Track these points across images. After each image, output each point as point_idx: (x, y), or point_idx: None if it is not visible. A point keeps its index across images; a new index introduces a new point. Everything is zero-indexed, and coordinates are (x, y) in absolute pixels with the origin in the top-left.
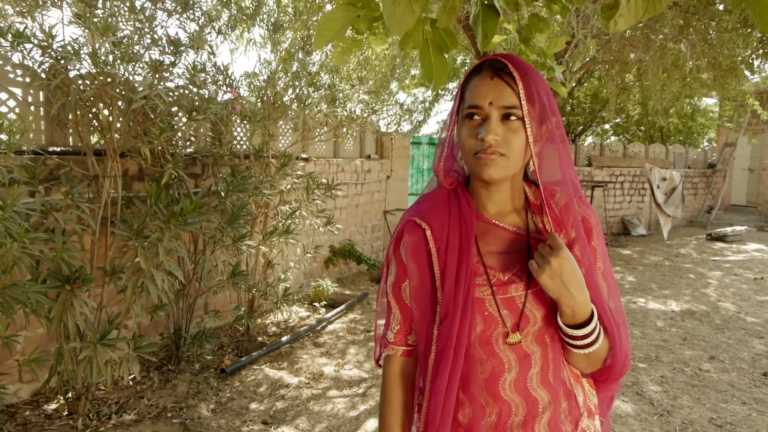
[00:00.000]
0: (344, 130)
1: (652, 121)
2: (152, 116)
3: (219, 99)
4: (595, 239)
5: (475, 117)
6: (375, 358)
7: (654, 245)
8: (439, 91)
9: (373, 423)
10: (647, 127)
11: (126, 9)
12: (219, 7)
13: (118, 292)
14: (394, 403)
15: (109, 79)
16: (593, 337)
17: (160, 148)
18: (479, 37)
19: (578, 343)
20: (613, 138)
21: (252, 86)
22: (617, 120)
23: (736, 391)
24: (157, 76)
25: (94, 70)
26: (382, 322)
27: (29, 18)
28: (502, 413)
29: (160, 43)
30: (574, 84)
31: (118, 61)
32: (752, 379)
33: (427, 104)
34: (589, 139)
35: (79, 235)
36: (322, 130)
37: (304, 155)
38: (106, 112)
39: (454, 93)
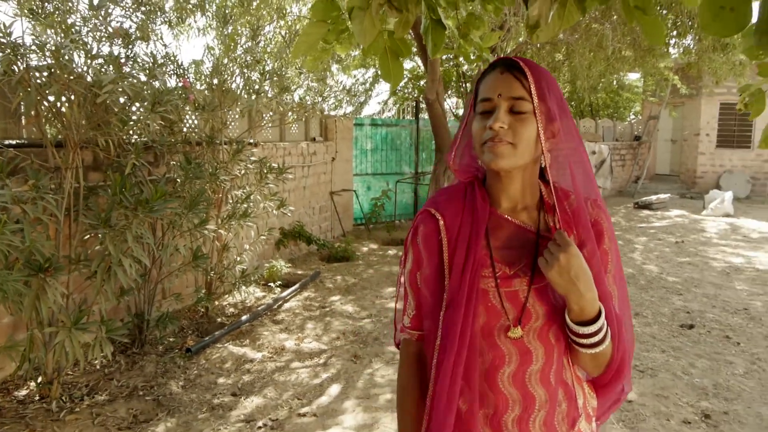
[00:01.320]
0: (292, 115)
1: (581, 97)
2: (115, 109)
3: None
4: (606, 242)
5: (486, 110)
6: (395, 342)
7: None
8: (378, 72)
9: (336, 388)
10: (577, 102)
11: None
12: None
13: (85, 279)
14: (411, 384)
15: (72, 76)
16: (600, 336)
17: (116, 138)
18: (429, 46)
19: (585, 341)
20: None
21: (199, 74)
22: None
23: (656, 341)
24: (118, 70)
25: (52, 64)
26: (400, 306)
27: None
28: (499, 406)
29: (113, 37)
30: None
31: (80, 57)
32: (671, 330)
33: (367, 85)
34: None
35: (45, 225)
36: (270, 116)
37: (251, 140)
38: (66, 106)
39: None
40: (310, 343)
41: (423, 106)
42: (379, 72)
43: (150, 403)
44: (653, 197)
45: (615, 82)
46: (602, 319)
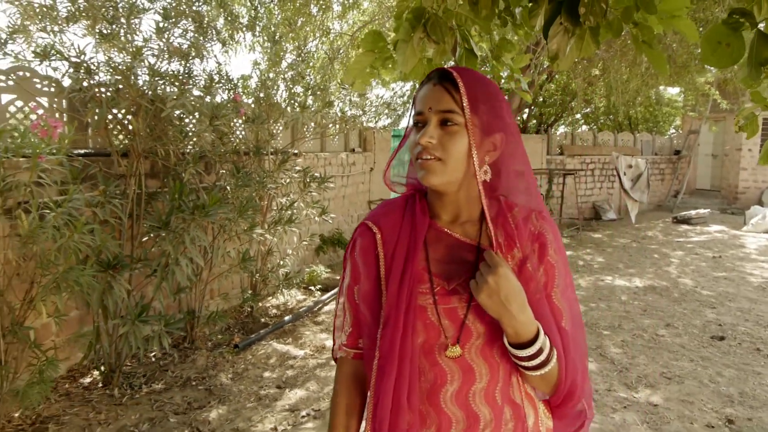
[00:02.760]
0: (333, 127)
1: (617, 111)
2: (176, 122)
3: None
4: (551, 254)
5: (419, 123)
6: (333, 356)
7: (623, 229)
8: (416, 85)
9: None
10: (616, 116)
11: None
12: (217, 17)
13: (145, 277)
14: (342, 405)
15: (139, 93)
16: (542, 357)
17: (175, 148)
18: None
19: (525, 363)
20: (584, 127)
21: (247, 88)
22: (587, 110)
23: (686, 351)
24: (180, 87)
25: (119, 80)
26: (339, 323)
27: (52, 34)
28: (442, 425)
29: (173, 56)
30: (545, 77)
31: (145, 75)
32: (701, 341)
33: (405, 98)
34: (561, 129)
35: (111, 227)
36: (312, 128)
37: (294, 151)
38: (132, 119)
39: None
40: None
41: None
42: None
43: (202, 392)
44: (692, 212)
45: (653, 97)
46: (540, 342)
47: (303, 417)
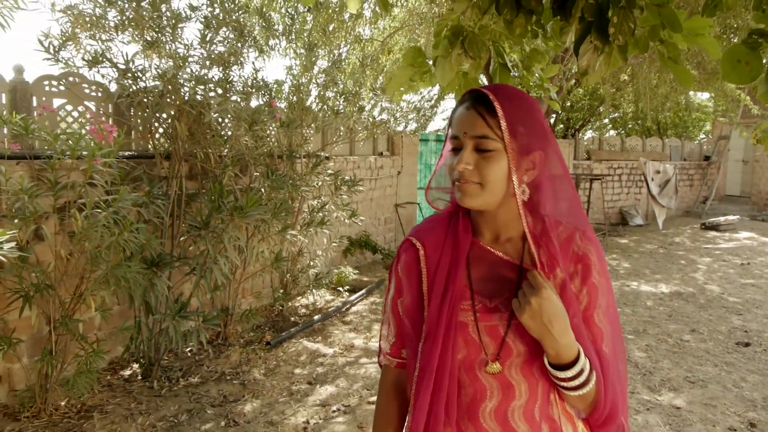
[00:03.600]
0: (363, 131)
1: (645, 116)
2: (218, 127)
3: (257, 106)
4: (595, 276)
5: (455, 147)
6: (379, 363)
7: (650, 234)
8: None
9: None
10: (644, 121)
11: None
12: (254, 25)
13: (184, 275)
14: (386, 412)
15: (197, 96)
16: (582, 379)
17: (211, 151)
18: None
19: (565, 384)
20: (612, 132)
21: (280, 93)
22: (615, 115)
23: (710, 356)
24: (224, 93)
25: (163, 87)
26: (385, 331)
27: (100, 42)
28: None
29: (214, 64)
30: (573, 82)
31: (192, 82)
32: (726, 347)
33: (432, 102)
34: (589, 134)
35: (154, 226)
36: (342, 132)
37: (325, 154)
38: (176, 123)
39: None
40: (376, 343)
41: None
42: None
43: (237, 386)
44: (721, 218)
45: (683, 102)
46: (581, 364)
47: (333, 412)
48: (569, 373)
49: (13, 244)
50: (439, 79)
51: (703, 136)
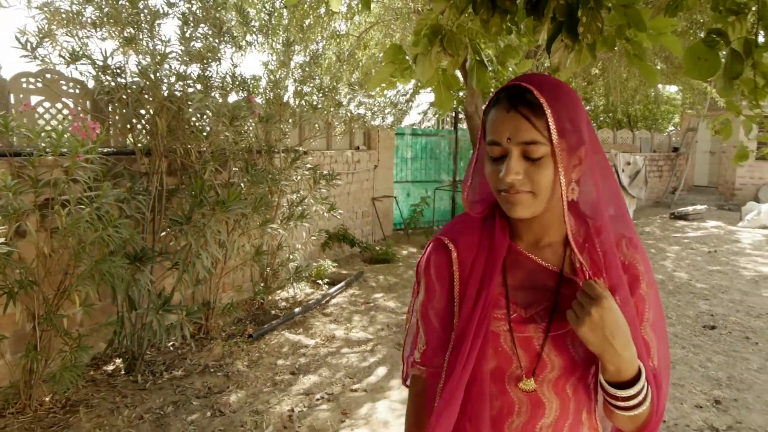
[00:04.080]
0: (339, 126)
1: (615, 108)
2: (195, 122)
3: (233, 101)
4: (643, 288)
5: (495, 153)
6: (402, 378)
7: None
8: (418, 82)
9: (382, 370)
10: (614, 114)
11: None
12: (231, 20)
13: (168, 269)
14: (416, 425)
15: (176, 92)
16: (641, 397)
17: (190, 147)
18: (473, 81)
19: (623, 404)
20: None
21: (256, 88)
22: (587, 108)
23: (678, 339)
24: (205, 89)
25: (142, 83)
26: (410, 339)
27: (77, 38)
28: None
29: (193, 60)
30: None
31: (172, 78)
32: (693, 330)
33: (408, 96)
34: None
35: (136, 221)
36: (319, 127)
37: (303, 149)
38: (157, 119)
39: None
40: (357, 333)
41: (462, 116)
42: (433, 100)
43: (221, 378)
44: (689, 208)
45: (653, 94)
46: (642, 381)
47: (317, 400)
48: (631, 392)
49: (1, 240)
50: (419, 76)
51: (672, 128)
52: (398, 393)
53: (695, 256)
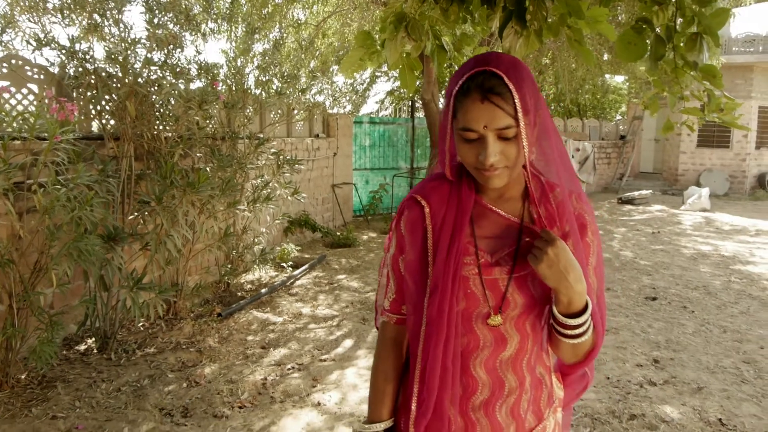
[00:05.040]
0: (299, 113)
1: (564, 97)
2: (162, 107)
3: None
4: (589, 236)
5: (471, 137)
6: (376, 325)
7: None
8: (376, 73)
9: (349, 342)
10: (564, 102)
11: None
12: (197, 10)
13: (139, 250)
14: (384, 369)
15: (140, 79)
16: (586, 326)
17: (155, 132)
18: (434, 64)
19: (570, 332)
20: None
21: (217, 76)
22: None
23: (623, 309)
24: (176, 75)
25: (110, 69)
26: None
27: (39, 25)
28: (468, 388)
29: (162, 46)
30: None
31: (141, 64)
32: (636, 301)
33: (365, 85)
34: None
35: (106, 204)
36: (280, 114)
37: (265, 136)
38: (127, 104)
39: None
40: (323, 310)
41: (418, 105)
42: (399, 81)
43: (193, 353)
44: (636, 193)
45: (600, 83)
46: (589, 312)
47: (288, 369)
48: (579, 320)
49: None
50: (387, 59)
51: (619, 116)
52: (365, 361)
53: (640, 237)
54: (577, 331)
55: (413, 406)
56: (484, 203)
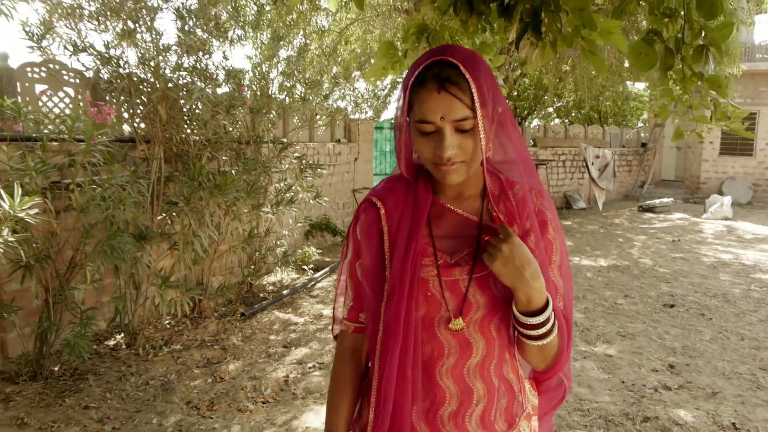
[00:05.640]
0: (321, 118)
1: (584, 104)
2: (194, 112)
3: (225, 92)
4: (551, 232)
5: (428, 130)
6: (333, 335)
7: (592, 217)
8: (397, 79)
9: None
10: (587, 110)
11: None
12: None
13: (167, 249)
14: (342, 378)
15: (170, 84)
16: (548, 326)
17: (183, 136)
18: None
19: (532, 333)
20: (557, 120)
21: (242, 81)
22: (559, 104)
23: (640, 316)
24: (204, 80)
25: (143, 74)
26: (341, 299)
27: (75, 31)
28: (436, 399)
29: (192, 52)
30: (518, 73)
31: (175, 70)
32: (654, 308)
33: (386, 91)
34: (535, 122)
35: (137, 204)
36: (303, 119)
37: (288, 141)
38: (159, 108)
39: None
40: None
41: None
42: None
43: (218, 350)
44: (656, 201)
45: (621, 90)
46: (550, 310)
47: (310, 368)
48: (540, 318)
49: (36, 210)
50: (409, 68)
51: (641, 124)
52: None
53: (660, 245)
54: (540, 331)
55: (370, 418)
56: (441, 203)
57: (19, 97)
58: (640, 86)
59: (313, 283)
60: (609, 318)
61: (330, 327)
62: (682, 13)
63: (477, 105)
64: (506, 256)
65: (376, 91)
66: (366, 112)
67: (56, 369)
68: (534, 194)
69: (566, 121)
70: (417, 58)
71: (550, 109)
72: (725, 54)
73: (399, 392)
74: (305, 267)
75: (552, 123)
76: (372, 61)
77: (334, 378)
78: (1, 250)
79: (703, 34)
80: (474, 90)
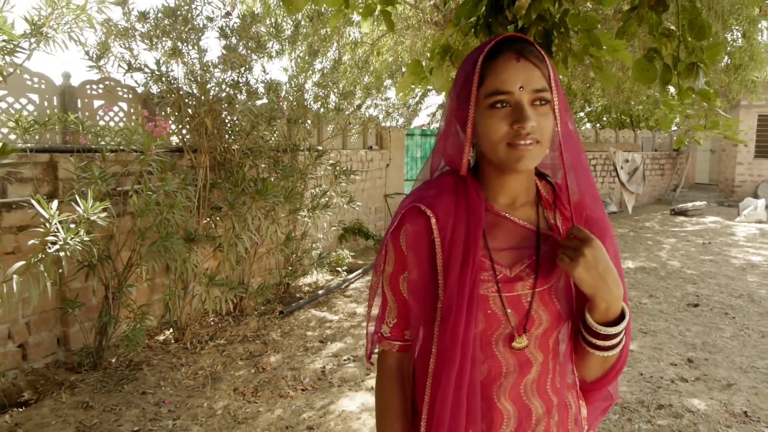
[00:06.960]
0: (354, 126)
1: (617, 109)
2: (237, 123)
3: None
4: (608, 240)
5: (503, 103)
6: (366, 355)
7: (623, 220)
8: (427, 87)
9: None
10: (618, 114)
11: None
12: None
13: (212, 250)
14: (391, 401)
15: (215, 98)
16: (621, 335)
17: (226, 145)
18: None
19: (604, 343)
20: (587, 125)
21: (280, 93)
22: (589, 108)
23: (663, 314)
24: (249, 94)
25: (191, 89)
26: (374, 314)
27: (128, 50)
28: (494, 423)
29: (235, 67)
30: None
31: (221, 84)
32: (678, 308)
33: (417, 99)
34: None
35: (186, 208)
36: (336, 127)
37: (322, 149)
38: (206, 120)
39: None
40: (375, 310)
41: None
42: (446, 99)
43: (259, 344)
44: (689, 204)
45: (654, 94)
46: (627, 318)
47: (345, 360)
48: (618, 329)
49: (105, 214)
50: (434, 84)
51: (675, 128)
52: None
53: (689, 247)
54: (612, 342)
55: None
56: (495, 210)
57: (80, 113)
58: (671, 90)
59: (346, 284)
60: (632, 316)
61: (365, 350)
62: (678, 33)
63: (552, 81)
64: (589, 261)
65: (408, 100)
66: (397, 120)
67: (113, 360)
68: (589, 200)
69: (597, 125)
70: (462, 60)
71: (581, 114)
72: (752, 59)
73: (452, 417)
74: (339, 269)
75: (583, 128)
76: (403, 70)
77: (383, 402)
78: (79, 248)
79: (694, 53)
80: (550, 65)
